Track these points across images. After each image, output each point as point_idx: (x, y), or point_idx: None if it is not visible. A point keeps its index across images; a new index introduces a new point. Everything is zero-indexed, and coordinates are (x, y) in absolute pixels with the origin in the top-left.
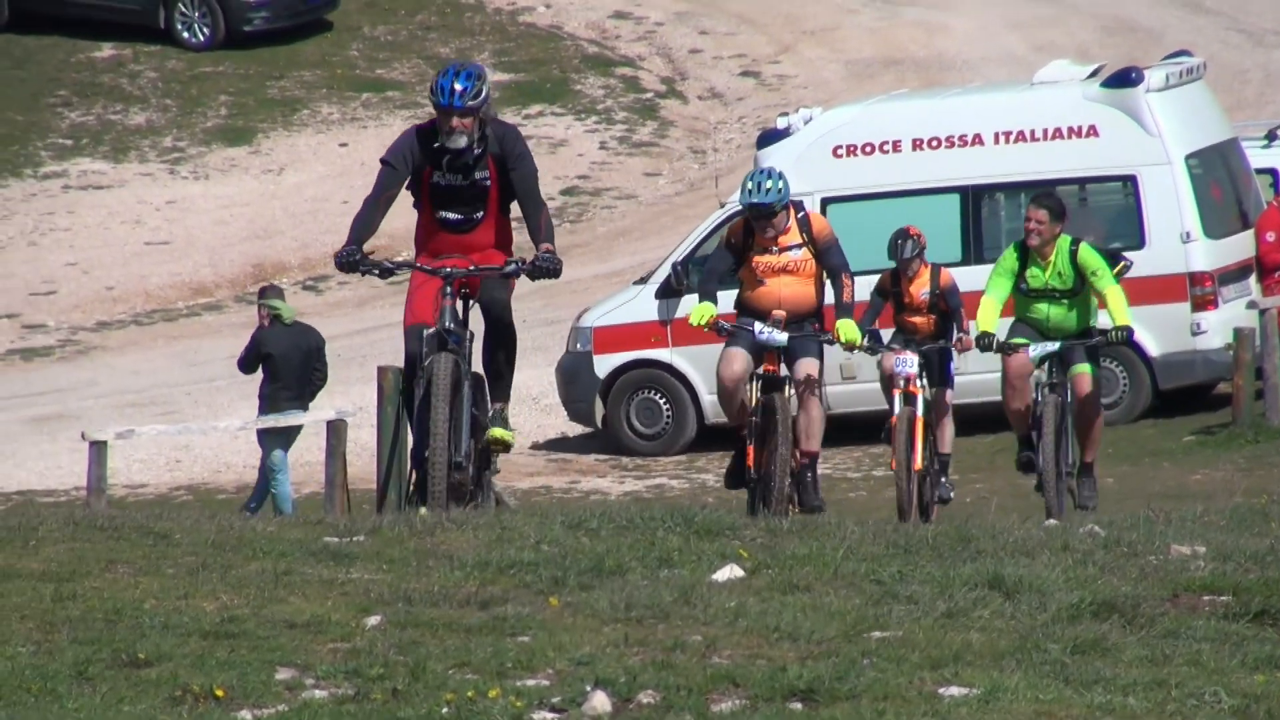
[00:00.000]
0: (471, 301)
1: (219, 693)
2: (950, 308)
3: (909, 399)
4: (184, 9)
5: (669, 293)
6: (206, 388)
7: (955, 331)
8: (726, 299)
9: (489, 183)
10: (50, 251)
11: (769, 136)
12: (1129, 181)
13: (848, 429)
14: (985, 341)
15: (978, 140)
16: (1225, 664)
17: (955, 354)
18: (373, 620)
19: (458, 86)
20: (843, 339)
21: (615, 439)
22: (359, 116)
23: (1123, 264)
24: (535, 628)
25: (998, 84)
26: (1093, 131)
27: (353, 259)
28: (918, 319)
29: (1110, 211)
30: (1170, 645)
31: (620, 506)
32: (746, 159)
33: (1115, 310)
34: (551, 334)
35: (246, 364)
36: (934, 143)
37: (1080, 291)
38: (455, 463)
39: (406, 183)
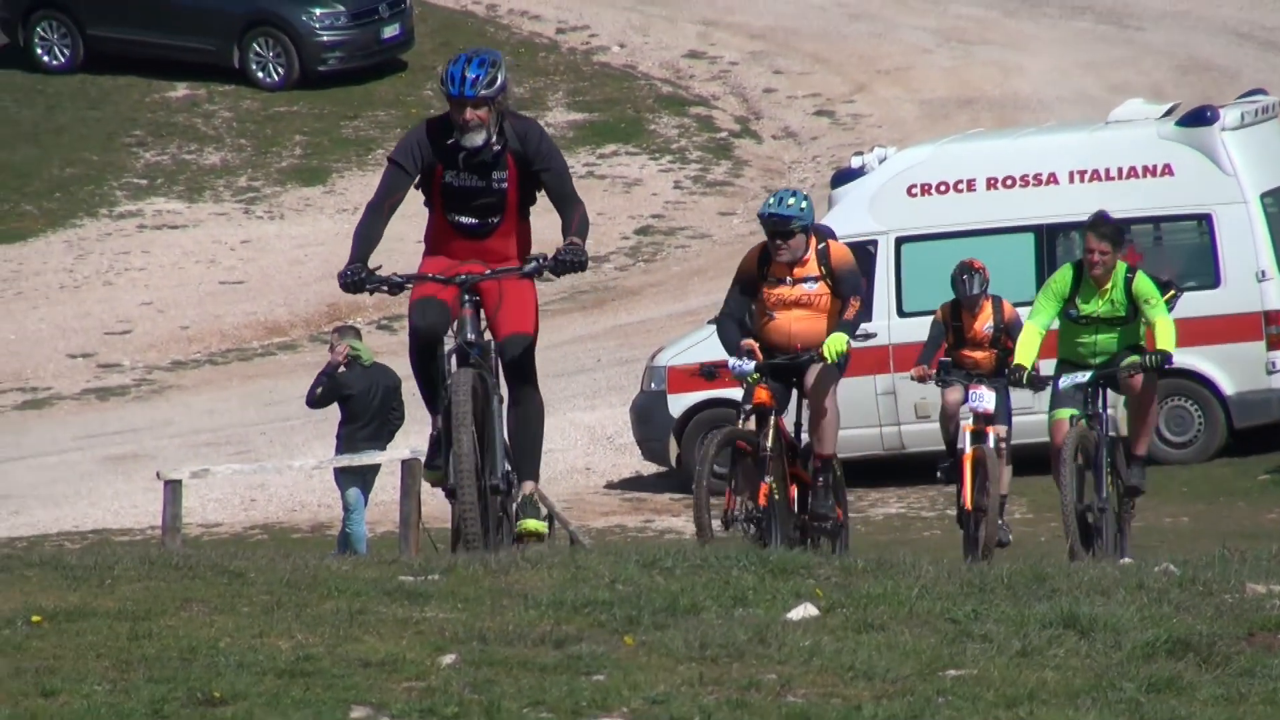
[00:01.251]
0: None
1: None
2: (1015, 343)
3: (978, 437)
4: (258, 49)
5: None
6: (281, 427)
7: None
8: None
9: (507, 185)
10: (125, 291)
11: (843, 176)
12: (1204, 220)
13: (923, 468)
14: (1017, 376)
15: (1052, 179)
16: None
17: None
18: (448, 659)
19: (469, 74)
20: (828, 351)
21: (690, 478)
22: None
23: (1172, 293)
24: (610, 666)
25: (1072, 123)
26: (1167, 170)
27: (358, 278)
28: (978, 354)
29: (1185, 250)
30: (1246, 684)
31: (694, 545)
32: (821, 198)
33: (1162, 336)
34: (626, 373)
35: (317, 400)
36: (1008, 182)
37: (1133, 321)
38: (492, 486)
39: (415, 183)
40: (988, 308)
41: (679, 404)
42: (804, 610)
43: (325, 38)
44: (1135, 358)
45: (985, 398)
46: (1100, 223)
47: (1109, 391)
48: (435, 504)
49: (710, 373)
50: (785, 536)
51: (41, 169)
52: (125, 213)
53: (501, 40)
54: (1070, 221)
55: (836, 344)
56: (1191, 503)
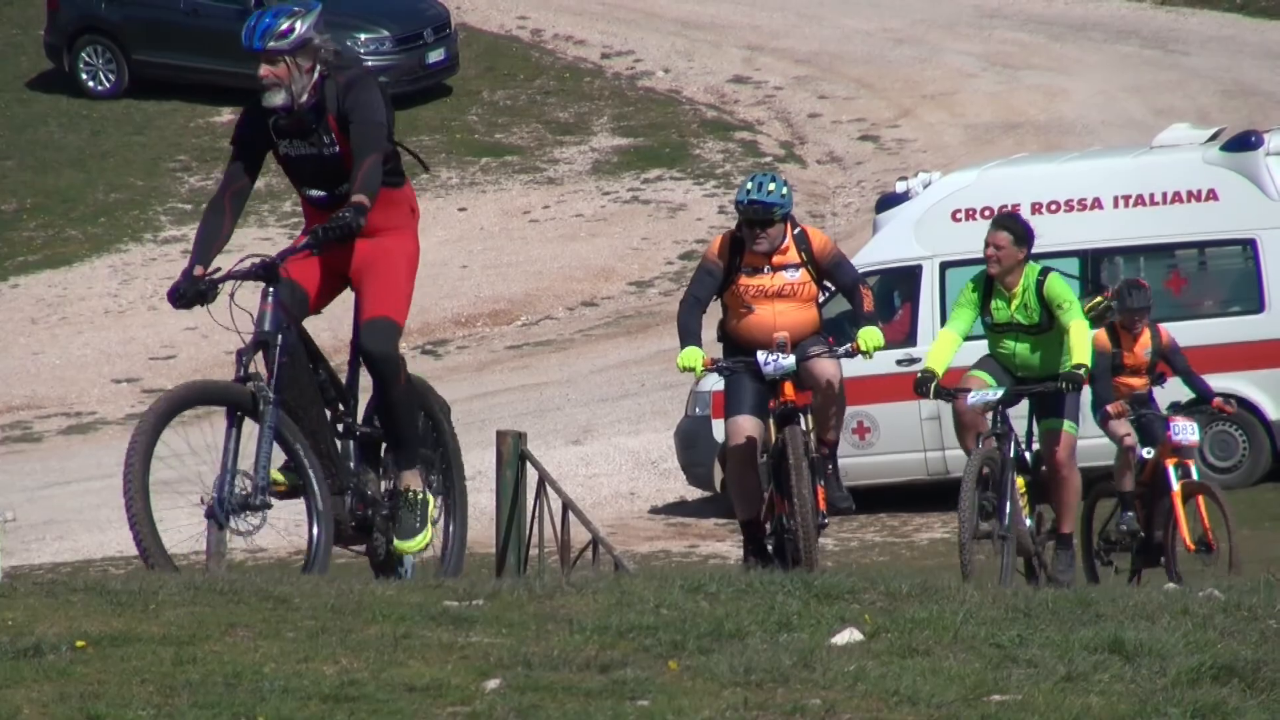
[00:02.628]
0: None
1: None
2: (1178, 370)
3: (1183, 471)
4: None
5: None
6: None
7: (1211, 396)
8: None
9: (338, 148)
10: (170, 316)
11: (888, 200)
12: (1249, 245)
13: None
14: (924, 388)
15: (1097, 204)
16: None
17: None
18: (492, 684)
19: (259, 25)
20: (865, 347)
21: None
22: (478, 181)
23: (1099, 298)
24: (655, 691)
25: (1117, 148)
26: (1212, 195)
27: (185, 295)
28: (1136, 380)
29: (1230, 275)
30: None
31: (739, 570)
32: (865, 223)
33: (1073, 347)
34: (670, 398)
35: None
36: (1053, 206)
37: (1050, 328)
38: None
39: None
40: (1146, 331)
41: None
42: (849, 635)
43: (370, 62)
44: (1028, 372)
45: (1189, 430)
46: (1004, 215)
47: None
48: (479, 529)
49: (723, 368)
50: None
51: (86, 194)
52: (170, 238)
53: (547, 65)
54: (1115, 247)
55: (873, 339)
56: (1237, 528)
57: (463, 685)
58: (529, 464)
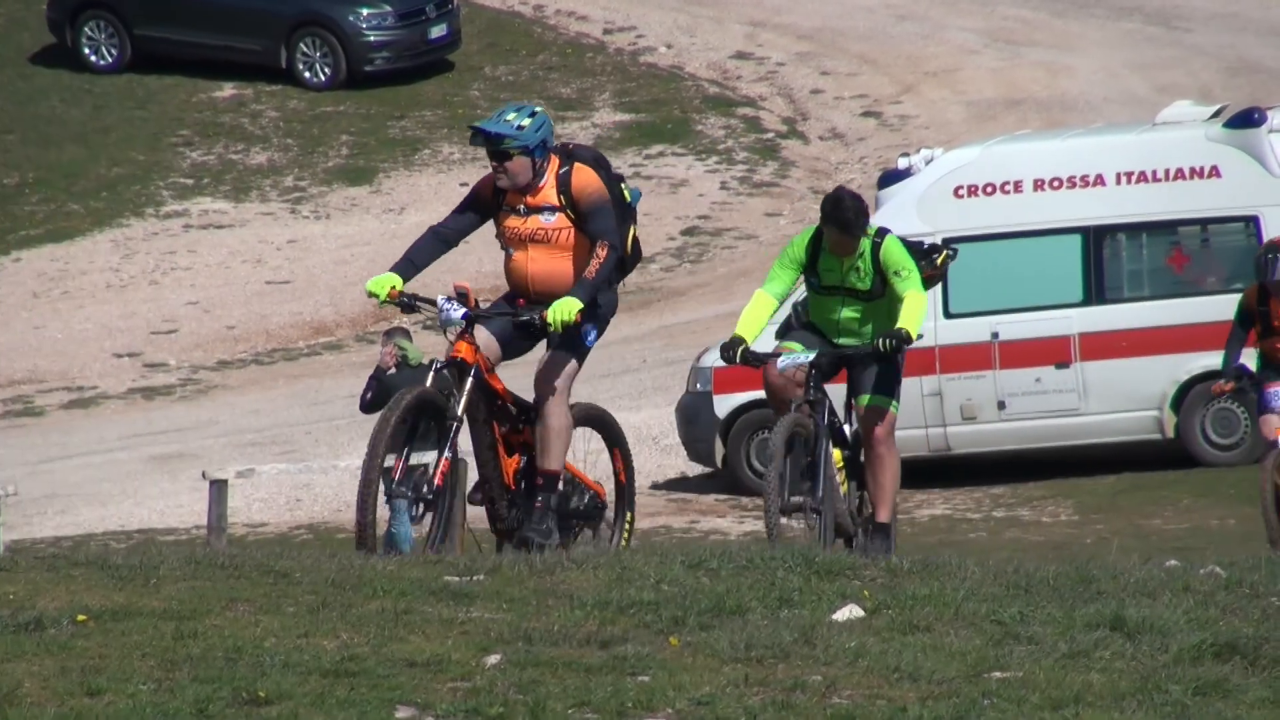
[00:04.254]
0: None
1: None
2: None
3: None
4: (305, 49)
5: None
6: (327, 427)
7: None
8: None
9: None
10: (171, 291)
11: (890, 177)
12: (1251, 222)
13: (970, 470)
14: (729, 354)
15: (1099, 181)
16: None
17: None
18: (493, 659)
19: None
20: (551, 318)
21: (735, 479)
22: (479, 156)
23: (946, 253)
24: (655, 667)
25: (1120, 125)
26: (1215, 172)
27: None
28: None
29: (1232, 252)
30: None
31: (740, 546)
32: (868, 199)
33: (905, 313)
34: (671, 374)
35: (369, 406)
36: (1055, 183)
37: (881, 294)
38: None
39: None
40: None
41: (725, 405)
42: (849, 611)
43: (372, 38)
44: (852, 341)
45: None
46: (841, 209)
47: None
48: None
49: (405, 302)
50: (498, 515)
51: (88, 169)
52: (171, 212)
53: (549, 41)
54: (1118, 223)
55: (562, 310)
56: (1239, 505)
57: (463, 660)
58: None
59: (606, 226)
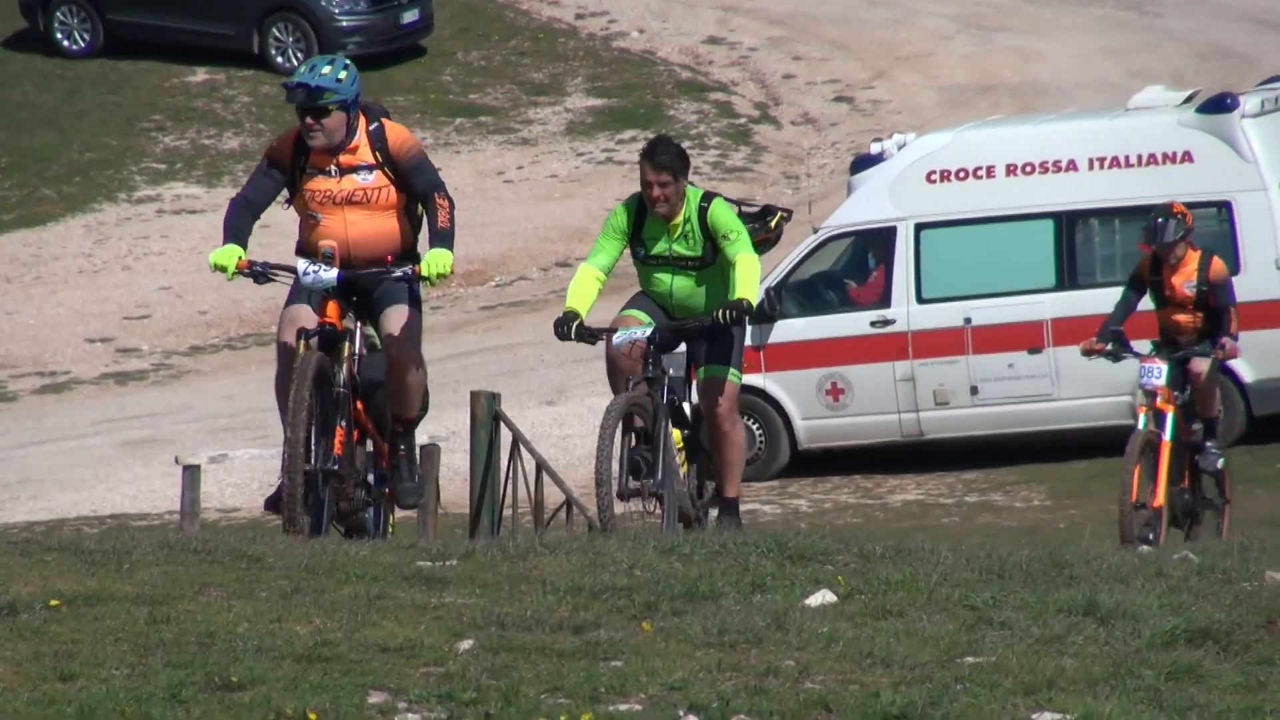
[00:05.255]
0: None
1: (312, 716)
2: (1218, 305)
3: (1157, 418)
4: (277, 34)
5: (762, 318)
6: None
7: (1220, 336)
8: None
9: None
10: (144, 275)
11: (862, 162)
12: (1223, 208)
13: (942, 455)
14: (564, 329)
15: (1071, 166)
16: None
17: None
18: (465, 644)
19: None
20: (428, 271)
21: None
22: (452, 141)
23: (780, 215)
24: (628, 652)
25: (1092, 110)
26: (1187, 157)
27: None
28: (1182, 317)
29: (1205, 238)
30: (1265, 672)
31: (713, 531)
32: (840, 184)
33: (740, 280)
34: None
35: None
36: (1028, 169)
37: (713, 261)
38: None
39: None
40: (1192, 261)
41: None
42: (822, 597)
43: (344, 23)
44: (688, 312)
45: (1156, 373)
46: (658, 148)
47: None
48: (453, 489)
49: (258, 272)
50: (345, 495)
51: (61, 154)
52: (144, 197)
53: (521, 26)
54: (1090, 208)
55: (439, 263)
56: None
57: (436, 646)
58: (503, 424)
59: (434, 178)
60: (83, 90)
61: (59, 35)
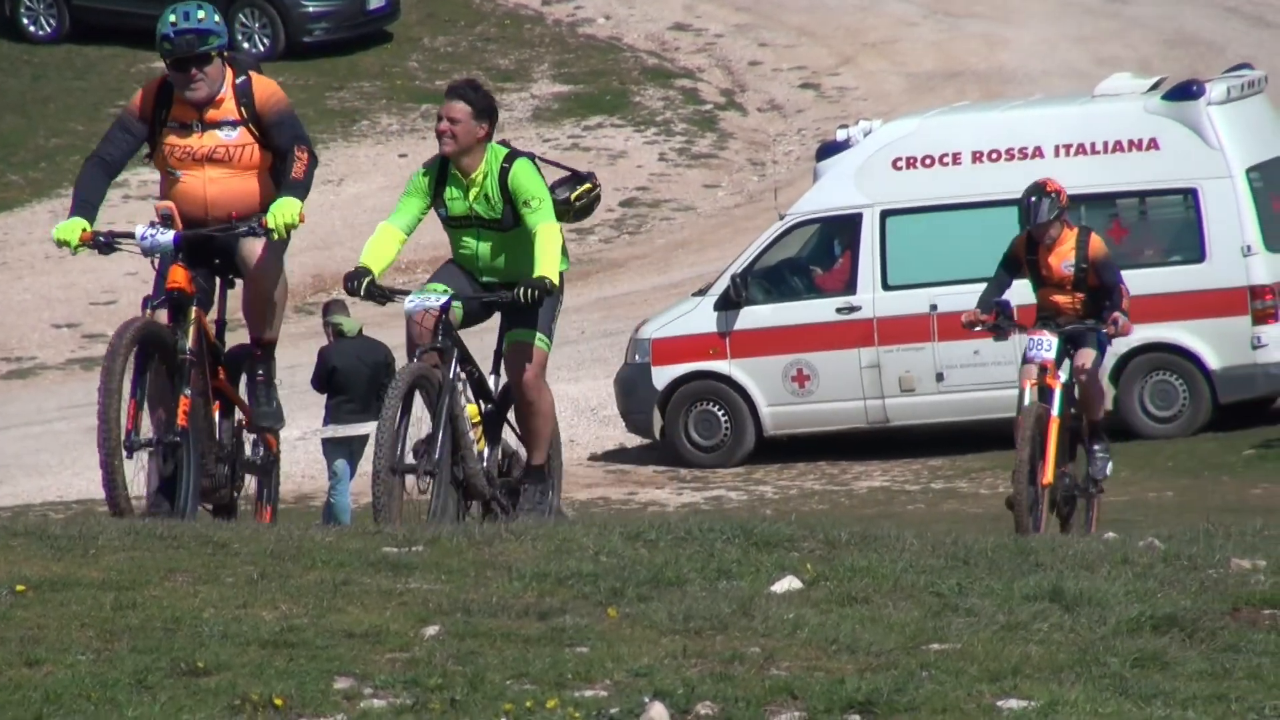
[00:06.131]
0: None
1: (278, 702)
2: (1103, 284)
3: (1043, 393)
4: (244, 19)
5: (728, 304)
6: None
7: (1110, 312)
8: None
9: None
10: (110, 261)
11: (828, 149)
12: (1190, 195)
13: (907, 442)
14: (354, 284)
15: (1038, 153)
16: None
17: (1109, 340)
18: (431, 630)
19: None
20: (273, 223)
21: (673, 451)
22: (418, 128)
23: (589, 186)
24: (594, 639)
25: (1058, 97)
26: (1153, 144)
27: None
28: (1059, 297)
29: (1171, 225)
30: (1230, 659)
31: (679, 518)
32: (806, 171)
33: (539, 255)
34: (610, 345)
35: (318, 382)
36: (994, 155)
37: (515, 224)
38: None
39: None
40: (1069, 239)
41: (663, 377)
42: (788, 583)
43: (311, 9)
44: (495, 278)
45: (1044, 344)
46: (459, 83)
47: None
48: None
49: (101, 242)
50: (205, 471)
51: (27, 139)
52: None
53: (487, 12)
54: None
55: (285, 212)
56: (1176, 478)
57: (402, 631)
58: None
59: (299, 132)
60: (49, 76)
61: (25, 21)
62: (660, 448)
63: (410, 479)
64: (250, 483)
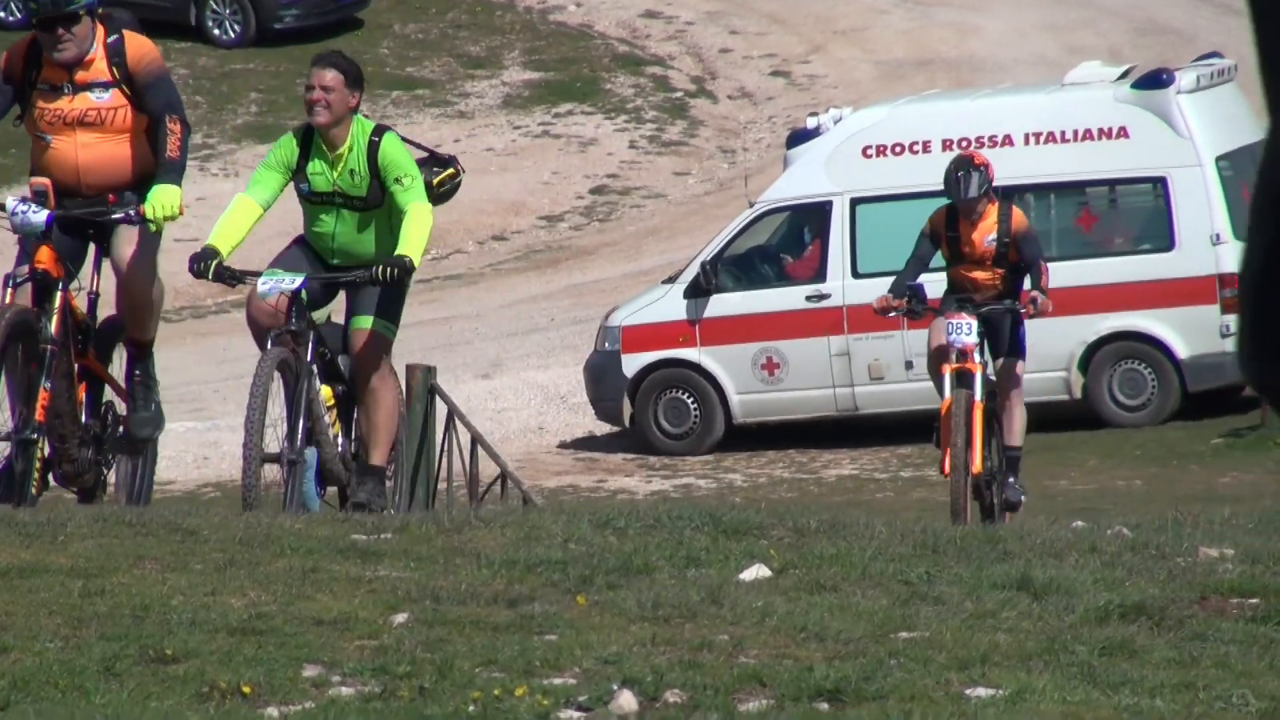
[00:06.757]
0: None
1: (246, 689)
2: (1025, 259)
3: (963, 378)
4: (215, 6)
5: (698, 292)
6: (235, 384)
7: (1031, 290)
8: None
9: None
10: None
11: (799, 136)
12: (1159, 183)
13: (876, 430)
14: (200, 266)
15: (1008, 141)
16: (1253, 667)
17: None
18: (400, 618)
19: None
20: (153, 214)
21: (643, 438)
22: (389, 115)
23: (451, 172)
24: (562, 626)
25: (1028, 85)
26: (1123, 133)
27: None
28: (979, 273)
29: (1140, 213)
30: (1198, 648)
31: (648, 506)
32: (776, 158)
33: (406, 233)
34: (579, 333)
35: None
36: (964, 143)
37: (380, 203)
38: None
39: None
40: (992, 214)
41: (633, 364)
42: (756, 571)
43: None
44: (350, 260)
45: (966, 328)
46: (329, 53)
47: None
48: None
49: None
50: (68, 456)
51: None
52: None
53: None
54: (1026, 184)
55: (164, 202)
56: (1145, 466)
57: (370, 619)
58: (438, 398)
59: (171, 98)
60: None
61: None
62: (629, 435)
63: (274, 468)
64: (125, 465)
